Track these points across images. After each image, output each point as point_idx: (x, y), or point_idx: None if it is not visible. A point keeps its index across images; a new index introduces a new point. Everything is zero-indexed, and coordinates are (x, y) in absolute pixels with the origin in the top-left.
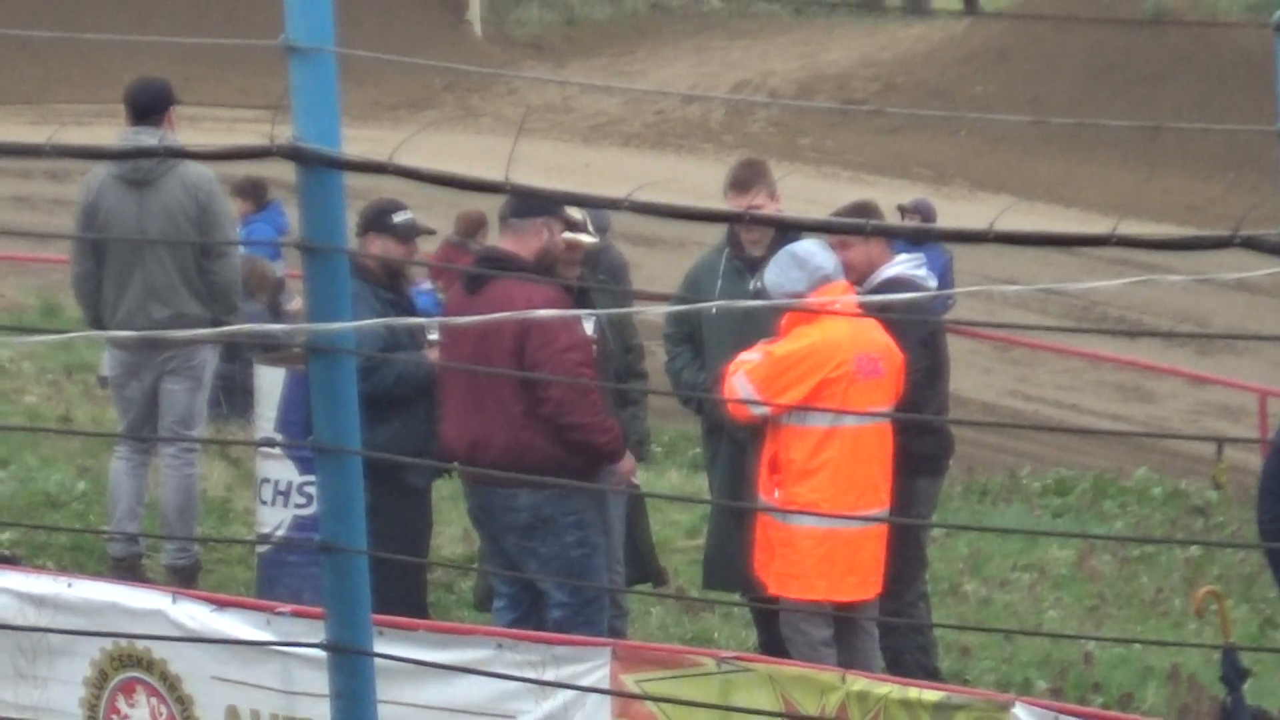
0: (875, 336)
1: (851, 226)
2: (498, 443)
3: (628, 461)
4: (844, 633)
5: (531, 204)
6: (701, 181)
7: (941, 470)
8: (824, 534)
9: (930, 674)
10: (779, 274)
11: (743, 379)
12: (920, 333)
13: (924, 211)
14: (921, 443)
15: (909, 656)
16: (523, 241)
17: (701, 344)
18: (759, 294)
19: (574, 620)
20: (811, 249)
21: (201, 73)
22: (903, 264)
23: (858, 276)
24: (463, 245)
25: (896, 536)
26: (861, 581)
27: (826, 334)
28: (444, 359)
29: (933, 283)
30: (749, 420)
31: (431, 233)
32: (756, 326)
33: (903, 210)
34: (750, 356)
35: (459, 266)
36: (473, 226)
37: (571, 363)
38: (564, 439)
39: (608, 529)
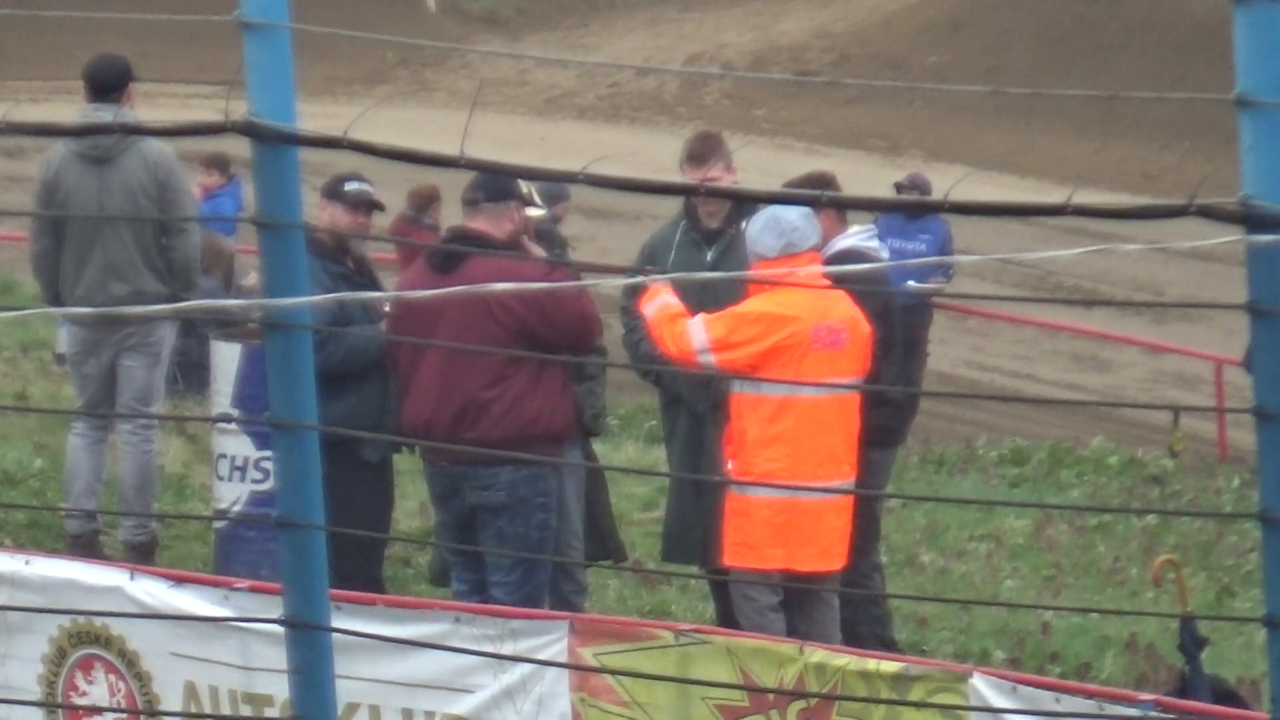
0: (840, 308)
1: (806, 198)
2: (490, 416)
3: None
4: (804, 604)
5: (502, 187)
6: (657, 154)
7: (896, 441)
8: (781, 503)
9: (887, 645)
10: (757, 234)
11: (698, 324)
12: (874, 305)
13: (920, 186)
14: (876, 414)
15: (865, 628)
16: (495, 224)
17: None
18: (716, 266)
19: (514, 602)
20: (795, 218)
21: (157, 49)
22: (855, 236)
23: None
24: (416, 220)
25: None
26: (821, 552)
27: (787, 300)
28: (404, 334)
29: (884, 254)
30: (694, 366)
31: (381, 208)
32: (714, 298)
33: (899, 187)
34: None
35: (433, 244)
36: (425, 201)
37: (586, 300)
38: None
39: (563, 509)
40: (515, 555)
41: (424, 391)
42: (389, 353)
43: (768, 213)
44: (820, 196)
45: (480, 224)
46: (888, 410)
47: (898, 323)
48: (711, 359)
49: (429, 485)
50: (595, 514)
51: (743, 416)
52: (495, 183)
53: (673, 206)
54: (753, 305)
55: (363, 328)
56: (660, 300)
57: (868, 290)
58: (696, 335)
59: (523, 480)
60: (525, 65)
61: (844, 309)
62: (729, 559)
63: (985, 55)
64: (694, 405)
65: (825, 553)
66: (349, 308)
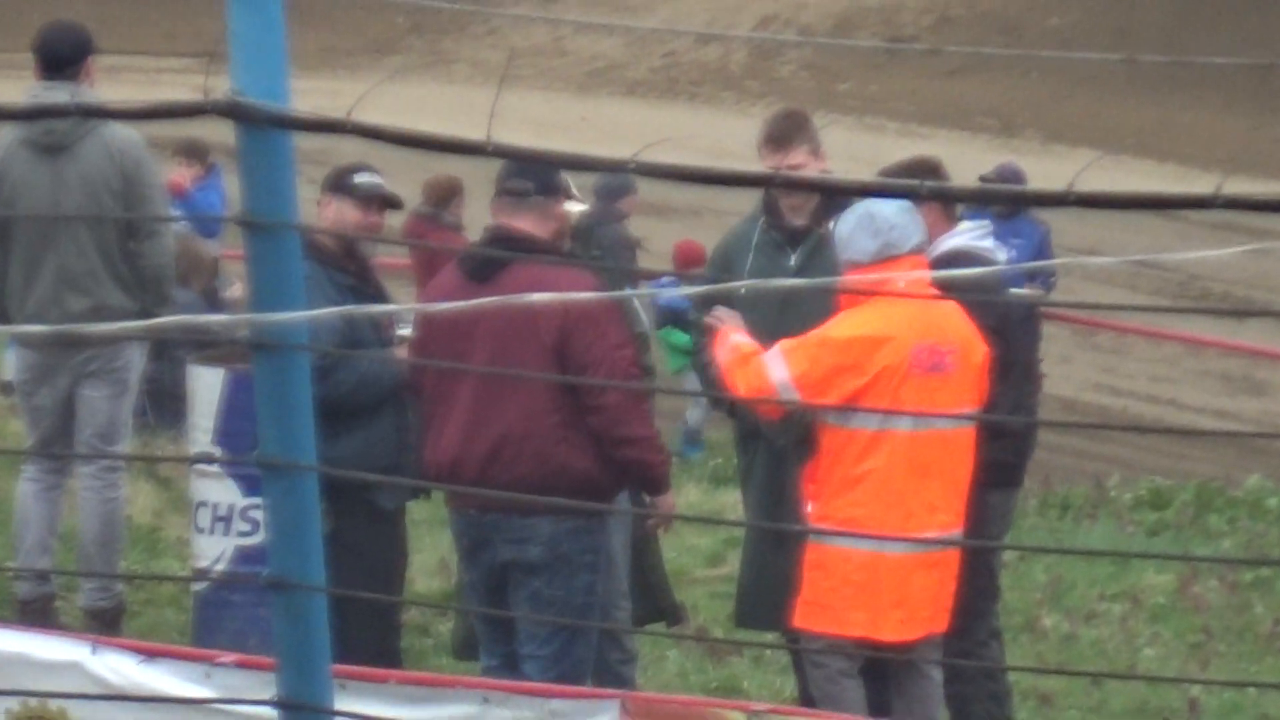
0: (949, 325)
1: (904, 187)
2: (527, 456)
3: (669, 497)
4: (898, 676)
5: (553, 176)
6: (722, 137)
7: (1017, 482)
8: (864, 558)
9: None
10: (848, 235)
11: (778, 359)
12: (989, 319)
13: (1011, 179)
14: (992, 448)
15: (978, 706)
16: (542, 222)
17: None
18: (802, 271)
19: (550, 677)
20: (894, 215)
21: (122, 13)
22: (965, 234)
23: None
24: (435, 218)
25: (963, 562)
26: (909, 618)
27: (883, 318)
28: (429, 357)
29: (1002, 255)
30: (774, 412)
31: (398, 206)
32: (799, 311)
33: (984, 181)
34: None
35: (466, 248)
36: (444, 195)
37: (626, 362)
38: (612, 456)
39: (608, 565)
40: (553, 622)
41: (453, 424)
42: (410, 380)
43: (860, 209)
44: (920, 186)
45: (526, 223)
46: (1006, 443)
47: (1017, 339)
48: (797, 397)
49: (455, 537)
50: (644, 569)
51: (829, 452)
52: (544, 171)
53: (742, 201)
54: (841, 328)
55: (375, 350)
56: (731, 343)
57: (981, 300)
58: (776, 371)
59: (566, 534)
60: (563, 32)
61: (955, 326)
62: (800, 620)
63: (1115, 15)
64: (775, 440)
65: (913, 618)
66: (359, 327)
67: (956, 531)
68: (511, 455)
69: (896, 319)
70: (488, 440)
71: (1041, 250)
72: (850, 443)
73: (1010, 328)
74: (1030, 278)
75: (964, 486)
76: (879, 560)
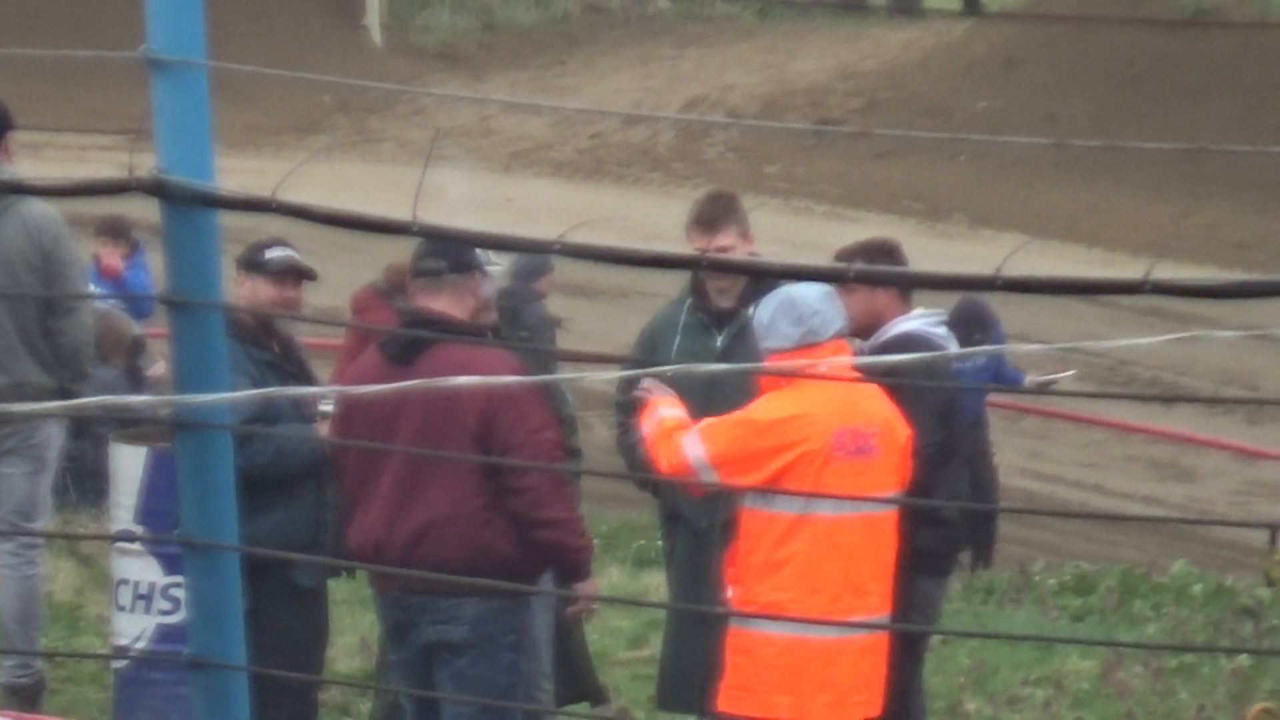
0: (871, 408)
1: (829, 272)
2: (453, 539)
3: (591, 584)
4: None
5: (467, 254)
6: (648, 218)
7: (947, 570)
8: (787, 641)
9: None
10: (769, 321)
11: (694, 438)
12: (934, 403)
13: (972, 316)
14: (927, 535)
15: None
16: (459, 302)
17: None
18: (728, 353)
19: None
20: (814, 299)
21: (45, 91)
22: (919, 318)
23: (858, 330)
24: (388, 296)
25: (897, 647)
26: (838, 702)
27: (805, 401)
28: (351, 438)
29: (953, 343)
30: (697, 491)
31: (312, 277)
32: (725, 392)
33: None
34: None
35: (380, 327)
36: (403, 280)
37: (549, 445)
38: (530, 538)
39: (531, 645)
40: (477, 701)
41: (377, 506)
42: (332, 460)
43: (780, 295)
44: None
45: (443, 303)
46: (940, 531)
47: (962, 427)
48: (715, 477)
49: (380, 618)
50: (567, 649)
51: (749, 536)
52: (458, 249)
53: (669, 283)
54: (762, 409)
55: (295, 427)
56: (658, 415)
57: (927, 386)
58: (692, 450)
59: (490, 614)
60: (489, 111)
61: (877, 409)
62: (723, 704)
63: (1043, 99)
64: (696, 522)
65: (840, 703)
66: (277, 404)
67: (885, 615)
68: (437, 538)
69: (819, 402)
70: (413, 523)
71: (1003, 343)
72: (771, 526)
73: (955, 414)
74: (997, 371)
75: (890, 570)
76: (803, 644)
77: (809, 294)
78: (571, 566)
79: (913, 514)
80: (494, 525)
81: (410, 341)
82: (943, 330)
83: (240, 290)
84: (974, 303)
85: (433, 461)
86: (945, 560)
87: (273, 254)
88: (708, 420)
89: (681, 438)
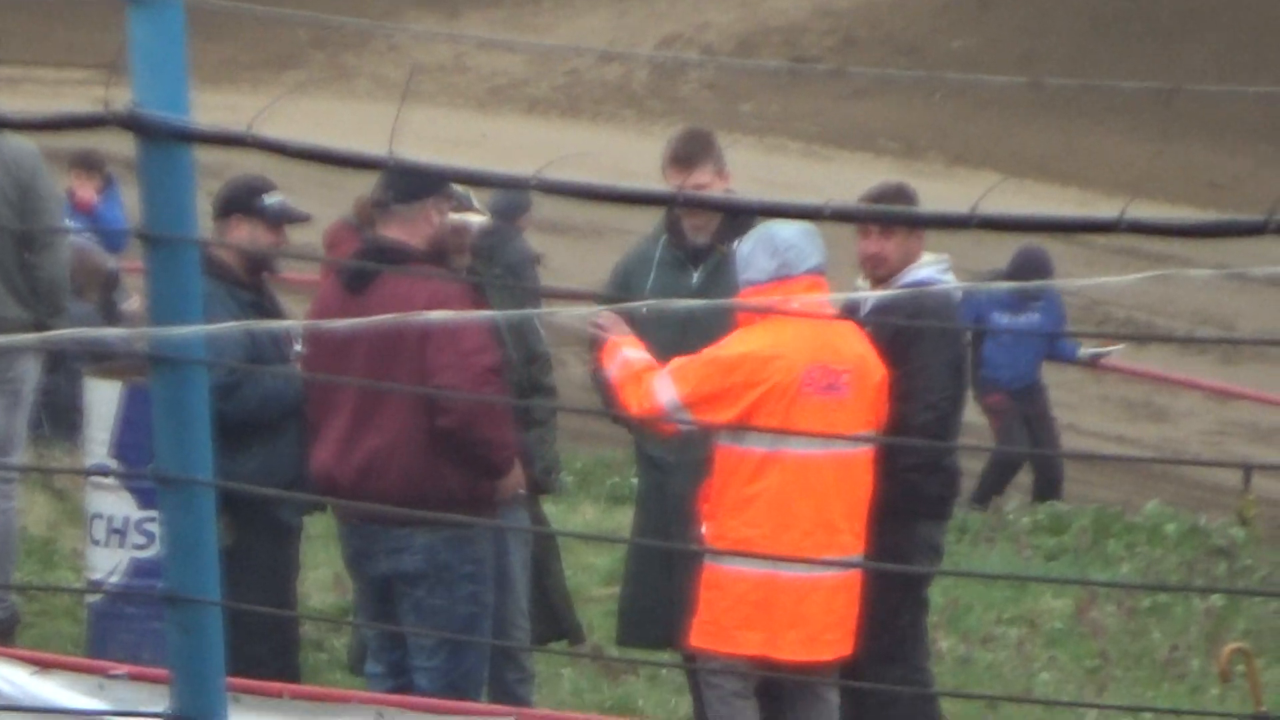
0: (844, 345)
1: (804, 210)
2: (395, 470)
3: (514, 476)
4: (794, 700)
5: (416, 183)
6: (623, 156)
7: (948, 514)
8: (759, 578)
9: None
10: (747, 255)
11: (665, 381)
12: (947, 355)
13: (1033, 264)
14: (927, 481)
15: None
16: (412, 228)
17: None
18: (703, 289)
19: (443, 691)
20: (791, 234)
21: (20, 25)
22: (928, 267)
23: (889, 271)
24: (359, 230)
25: (889, 586)
26: (809, 639)
27: (774, 337)
28: (315, 371)
29: (959, 291)
30: (669, 432)
31: (306, 219)
32: (700, 329)
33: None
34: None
35: (338, 260)
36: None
37: (481, 369)
38: (465, 455)
39: (506, 582)
40: (438, 634)
41: (331, 437)
42: (306, 398)
43: (760, 229)
44: (823, 208)
45: (395, 230)
46: (941, 477)
47: (966, 376)
48: (689, 418)
49: (342, 548)
50: (545, 588)
51: (722, 472)
52: (406, 178)
53: (644, 221)
54: (731, 347)
55: (277, 367)
56: (622, 357)
57: (939, 329)
58: (664, 393)
59: (443, 544)
60: (465, 48)
61: (850, 347)
62: (695, 639)
63: (1020, 39)
64: (663, 458)
65: (813, 639)
66: (262, 344)
67: (858, 555)
68: (382, 468)
69: (789, 338)
70: (363, 450)
71: (1061, 320)
72: (743, 463)
73: (967, 368)
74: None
75: (865, 508)
76: (774, 580)
77: (787, 229)
78: (494, 471)
79: (915, 461)
80: (437, 452)
81: (360, 271)
82: (950, 277)
83: (236, 234)
84: (1034, 251)
85: (385, 391)
86: (946, 504)
87: (270, 201)
88: (677, 361)
89: (652, 381)
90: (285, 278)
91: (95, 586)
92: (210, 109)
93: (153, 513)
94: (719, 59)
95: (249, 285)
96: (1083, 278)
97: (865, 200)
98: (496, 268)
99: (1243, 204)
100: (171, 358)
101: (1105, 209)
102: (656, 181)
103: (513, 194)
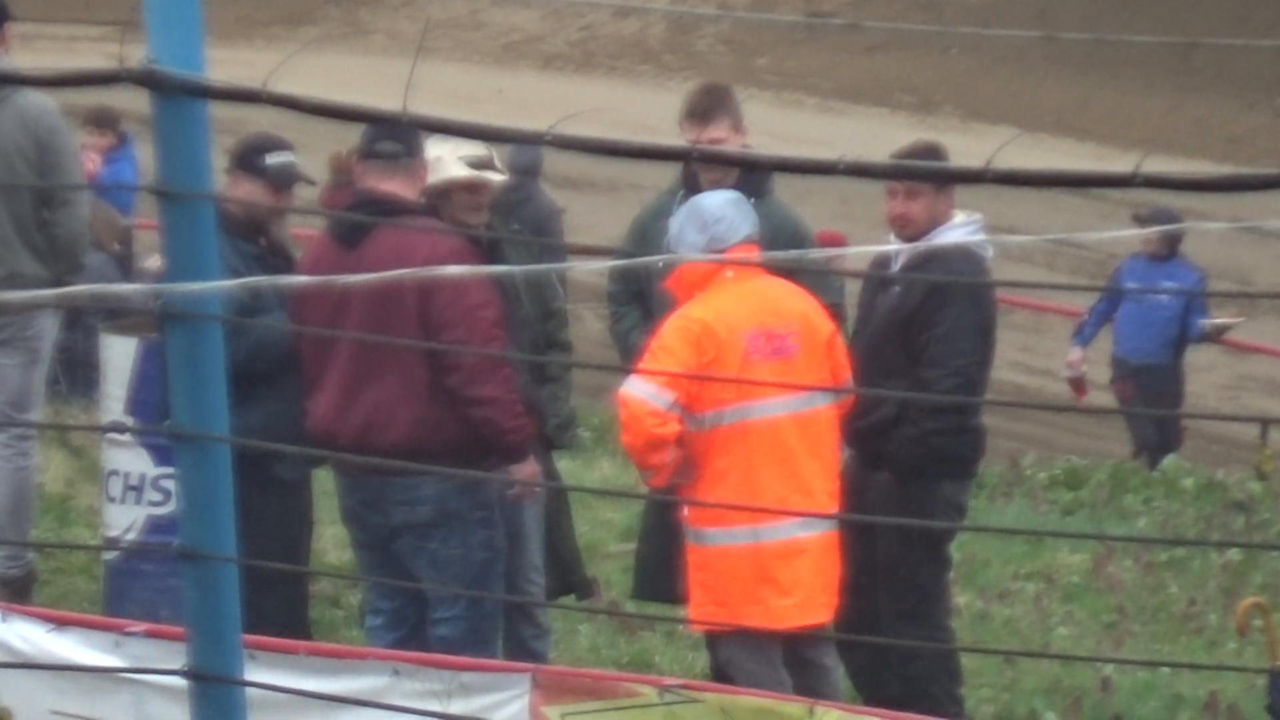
0: (786, 307)
1: (817, 164)
2: (401, 422)
3: (529, 465)
4: (798, 671)
5: (408, 135)
6: (639, 111)
7: (971, 474)
8: (741, 551)
9: (959, 704)
10: (677, 230)
11: (634, 381)
12: (976, 319)
13: (1166, 220)
14: (952, 441)
15: (937, 686)
16: (410, 182)
17: (653, 303)
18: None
19: (466, 637)
20: (718, 205)
21: None
22: (960, 227)
23: (917, 231)
24: (348, 187)
25: (911, 543)
26: (803, 604)
27: (711, 310)
28: (308, 325)
29: (988, 250)
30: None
31: (311, 182)
32: None
33: (1140, 220)
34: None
35: (337, 213)
36: (347, 168)
37: (486, 323)
38: (466, 416)
39: (519, 538)
40: (453, 584)
41: (329, 390)
42: (293, 346)
43: (688, 204)
44: (837, 163)
45: (395, 185)
46: (966, 438)
47: (993, 337)
48: (680, 394)
49: (340, 500)
50: (556, 542)
51: (691, 456)
52: (409, 132)
53: (654, 175)
54: (666, 332)
55: (271, 318)
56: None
57: (969, 286)
58: (640, 389)
59: (451, 492)
60: (480, 4)
61: (792, 307)
62: (702, 624)
63: None
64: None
65: (807, 604)
66: (264, 296)
67: (832, 509)
68: (387, 418)
69: (727, 308)
70: (363, 407)
71: (1196, 298)
72: (711, 442)
73: (994, 331)
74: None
75: (835, 466)
76: (758, 550)
77: (714, 200)
78: (506, 448)
79: (938, 425)
80: (442, 403)
81: (355, 224)
82: (981, 238)
83: (236, 191)
84: (1169, 215)
85: (383, 345)
86: (970, 464)
87: (273, 160)
88: (635, 368)
89: (623, 390)
90: (294, 234)
91: (112, 544)
92: (225, 65)
93: (169, 469)
94: (735, 13)
95: (254, 238)
96: (1098, 231)
97: (896, 159)
98: (515, 223)
99: (1258, 158)
100: (186, 314)
101: (1120, 163)
102: (673, 136)
103: (532, 150)
